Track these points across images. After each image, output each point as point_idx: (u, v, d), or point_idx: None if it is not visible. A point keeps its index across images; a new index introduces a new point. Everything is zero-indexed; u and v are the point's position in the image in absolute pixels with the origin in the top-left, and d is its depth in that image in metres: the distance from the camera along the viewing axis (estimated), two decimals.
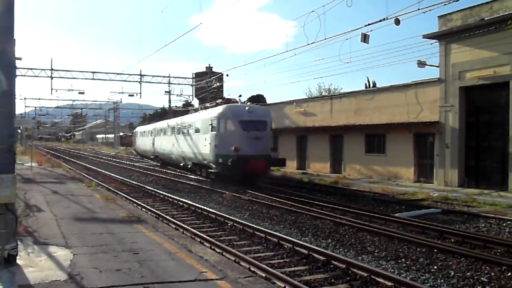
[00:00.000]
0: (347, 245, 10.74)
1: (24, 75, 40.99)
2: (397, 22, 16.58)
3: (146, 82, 46.58)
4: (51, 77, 42.08)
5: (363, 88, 45.66)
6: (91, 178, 25.53)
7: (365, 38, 19.44)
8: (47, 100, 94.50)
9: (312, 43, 19.86)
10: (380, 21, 16.76)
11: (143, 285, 6.42)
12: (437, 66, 24.84)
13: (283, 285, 7.44)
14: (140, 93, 49.27)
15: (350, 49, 73.55)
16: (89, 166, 36.14)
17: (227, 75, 50.11)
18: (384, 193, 20.20)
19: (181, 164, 30.91)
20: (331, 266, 8.74)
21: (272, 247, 10.39)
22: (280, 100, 39.11)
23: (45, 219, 11.65)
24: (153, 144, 40.54)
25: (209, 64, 58.19)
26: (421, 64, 27.30)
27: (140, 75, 45.53)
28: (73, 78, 43.11)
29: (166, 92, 53.16)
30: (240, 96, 27.93)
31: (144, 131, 47.24)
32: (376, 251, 10.19)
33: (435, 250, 9.99)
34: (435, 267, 8.89)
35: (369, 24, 17.74)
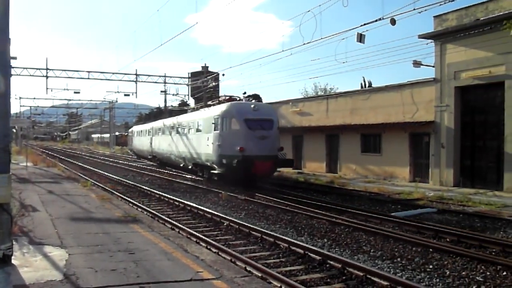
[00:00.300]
0: (343, 245, 10.76)
1: (19, 75, 40.74)
2: (393, 22, 16.60)
3: (142, 81, 46.36)
4: (46, 77, 41.85)
5: (359, 88, 45.60)
6: (86, 177, 25.46)
7: (361, 38, 19.46)
8: (43, 100, 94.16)
9: (308, 42, 19.89)
10: (376, 21, 16.78)
11: (139, 285, 6.40)
12: (433, 66, 24.90)
13: (279, 285, 7.44)
14: (136, 92, 48.84)
15: (346, 49, 73.75)
16: (84, 165, 36.04)
17: (223, 74, 49.98)
18: (379, 193, 20.25)
19: (181, 165, 29.91)
20: (327, 265, 8.76)
21: (268, 247, 10.40)
22: (276, 100, 39.13)
23: (40, 219, 11.61)
24: (151, 144, 39.51)
25: (205, 64, 57.99)
26: (417, 64, 27.36)
27: (136, 74, 45.34)
28: (69, 77, 42.85)
29: (162, 91, 52.99)
30: (244, 93, 26.77)
31: (141, 131, 46.37)
32: (371, 250, 10.21)
33: (431, 250, 10.02)
34: (431, 266, 8.92)
35: (365, 24, 17.78)
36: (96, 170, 31.58)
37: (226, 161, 21.55)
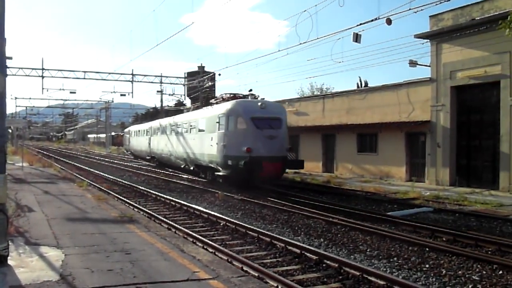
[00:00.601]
0: (340, 244, 10.77)
1: (15, 75, 40.70)
2: (389, 22, 16.64)
3: (138, 81, 46.35)
4: (42, 77, 41.80)
5: (355, 87, 45.77)
6: (82, 178, 25.39)
7: (357, 37, 19.51)
8: (38, 100, 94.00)
9: (304, 42, 19.94)
10: (372, 21, 16.84)
11: (135, 285, 6.39)
12: (429, 66, 24.99)
13: (275, 285, 7.44)
14: (132, 92, 48.79)
15: (342, 48, 73.95)
16: (80, 166, 35.94)
17: (219, 74, 49.86)
18: (376, 192, 20.27)
19: (182, 166, 28.78)
20: (324, 265, 8.76)
21: (265, 247, 10.39)
22: (272, 100, 39.06)
23: (36, 219, 11.58)
24: (149, 144, 38.33)
25: (201, 64, 58.00)
26: (413, 63, 27.48)
27: (132, 74, 45.31)
28: (64, 77, 42.81)
29: (158, 91, 52.99)
30: (250, 90, 24.91)
31: (139, 130, 45.30)
32: (368, 250, 10.23)
33: (427, 249, 10.04)
34: (427, 265, 8.94)
35: (361, 24, 17.84)
36: (92, 170, 31.50)
37: (231, 163, 20.37)
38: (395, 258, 9.48)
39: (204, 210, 14.76)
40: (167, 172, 30.78)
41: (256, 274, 7.87)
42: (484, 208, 15.81)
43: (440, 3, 15.19)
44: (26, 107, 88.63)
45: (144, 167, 35.86)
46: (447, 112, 23.02)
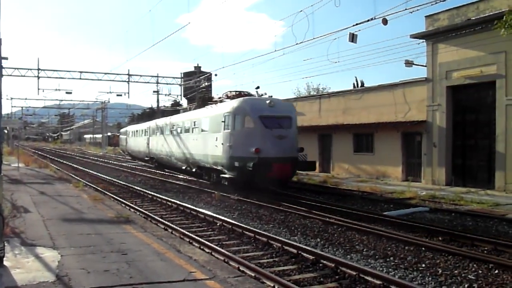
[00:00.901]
0: (336, 244, 10.78)
1: (11, 75, 40.52)
2: (385, 22, 16.67)
3: (134, 81, 46.25)
4: (38, 77, 41.63)
5: (351, 87, 45.79)
6: (78, 178, 25.34)
7: (353, 37, 19.52)
8: (34, 100, 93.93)
9: (300, 42, 19.93)
10: (368, 21, 16.85)
11: (132, 286, 6.38)
12: (425, 66, 25.03)
13: (272, 285, 7.44)
14: (128, 92, 48.86)
15: (338, 48, 74.17)
16: (76, 166, 35.86)
17: (216, 74, 49.86)
18: (372, 192, 20.30)
19: (183, 168, 27.46)
20: (320, 265, 8.77)
21: (261, 247, 10.40)
22: None
23: (32, 220, 11.54)
24: (148, 144, 36.90)
25: (198, 64, 58.11)
26: (409, 63, 27.51)
27: (128, 74, 45.20)
28: (60, 78, 42.63)
29: (154, 91, 52.91)
30: (257, 88, 23.32)
31: (136, 131, 43.90)
32: (364, 249, 10.24)
33: (423, 249, 10.06)
34: (423, 265, 8.96)
35: (357, 24, 17.84)
36: (88, 170, 31.44)
37: (239, 164, 19.17)
38: (392, 258, 9.50)
39: (201, 210, 14.75)
40: (163, 173, 30.73)
41: (253, 274, 7.87)
42: (480, 208, 15.85)
43: (436, 3, 15.23)
44: (22, 107, 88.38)
45: (140, 168, 35.80)
46: (443, 112, 23.07)
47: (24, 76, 41.31)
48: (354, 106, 29.30)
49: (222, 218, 13.31)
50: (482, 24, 20.43)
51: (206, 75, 48.14)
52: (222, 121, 20.66)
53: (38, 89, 44.01)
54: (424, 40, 24.15)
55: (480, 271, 8.50)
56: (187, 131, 26.62)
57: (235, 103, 20.66)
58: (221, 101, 23.96)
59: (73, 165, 37.54)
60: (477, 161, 22.02)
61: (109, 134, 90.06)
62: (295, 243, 10.11)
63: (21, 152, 44.66)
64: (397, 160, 25.95)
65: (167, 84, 48.69)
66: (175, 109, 55.95)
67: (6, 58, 24.56)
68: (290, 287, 7.31)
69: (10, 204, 13.68)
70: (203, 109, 26.26)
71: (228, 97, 23.57)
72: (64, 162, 41.82)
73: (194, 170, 25.46)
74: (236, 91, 23.80)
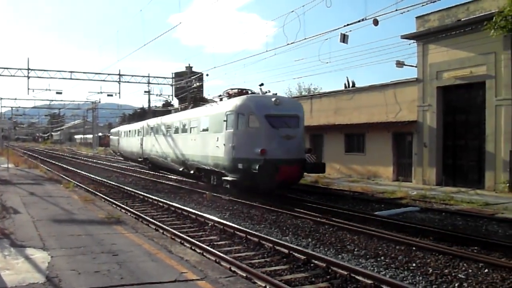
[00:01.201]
0: (327, 244, 10.80)
1: (0, 75, 40.27)
2: (376, 22, 16.71)
3: (125, 82, 46.11)
4: (28, 77, 41.38)
5: (343, 88, 45.95)
6: (69, 179, 25.17)
7: (344, 38, 19.56)
8: (24, 100, 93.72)
9: (292, 43, 19.95)
10: (359, 21, 16.89)
11: (123, 287, 6.35)
12: (415, 66, 25.18)
13: (263, 285, 7.44)
14: (119, 93, 48.53)
15: (330, 49, 73.82)
16: (67, 167, 35.65)
17: (207, 75, 49.80)
18: (363, 192, 20.36)
19: (180, 170, 26.19)
20: (312, 265, 8.78)
21: (253, 247, 10.39)
22: None
23: (22, 221, 11.45)
24: (142, 145, 35.37)
25: (189, 64, 57.98)
26: (400, 64, 27.66)
27: (119, 74, 45.06)
28: (51, 77, 42.42)
29: (145, 92, 52.77)
30: (261, 84, 21.91)
31: (129, 131, 42.14)
32: (355, 249, 10.27)
33: (414, 248, 10.11)
34: (414, 264, 9.00)
35: (348, 25, 17.90)
36: (78, 171, 31.27)
37: (242, 166, 17.86)
38: (382, 257, 9.53)
39: (192, 210, 14.71)
40: (154, 173, 30.61)
41: (244, 275, 7.86)
42: (470, 207, 15.94)
43: (427, 4, 15.33)
44: (12, 107, 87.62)
45: (131, 168, 35.63)
46: (433, 112, 23.20)
47: (14, 76, 41.05)
48: (346, 106, 29.39)
49: (214, 218, 13.28)
50: (472, 25, 20.58)
51: (197, 75, 48.09)
52: (224, 120, 19.43)
53: (28, 89, 43.98)
54: (415, 41, 24.29)
55: (470, 270, 8.55)
56: (184, 131, 25.37)
57: (238, 101, 19.33)
58: (221, 99, 22.80)
59: (63, 165, 37.33)
60: (467, 161, 22.17)
61: (100, 134, 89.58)
62: (286, 243, 10.12)
63: (11, 152, 44.31)
64: (388, 160, 26.06)
65: (158, 84, 48.64)
66: (166, 109, 55.79)
67: None
68: (281, 287, 7.32)
69: None
70: (203, 107, 24.89)
71: (229, 95, 22.28)
72: (55, 162, 41.56)
73: (192, 172, 24.17)
74: (238, 89, 22.64)
